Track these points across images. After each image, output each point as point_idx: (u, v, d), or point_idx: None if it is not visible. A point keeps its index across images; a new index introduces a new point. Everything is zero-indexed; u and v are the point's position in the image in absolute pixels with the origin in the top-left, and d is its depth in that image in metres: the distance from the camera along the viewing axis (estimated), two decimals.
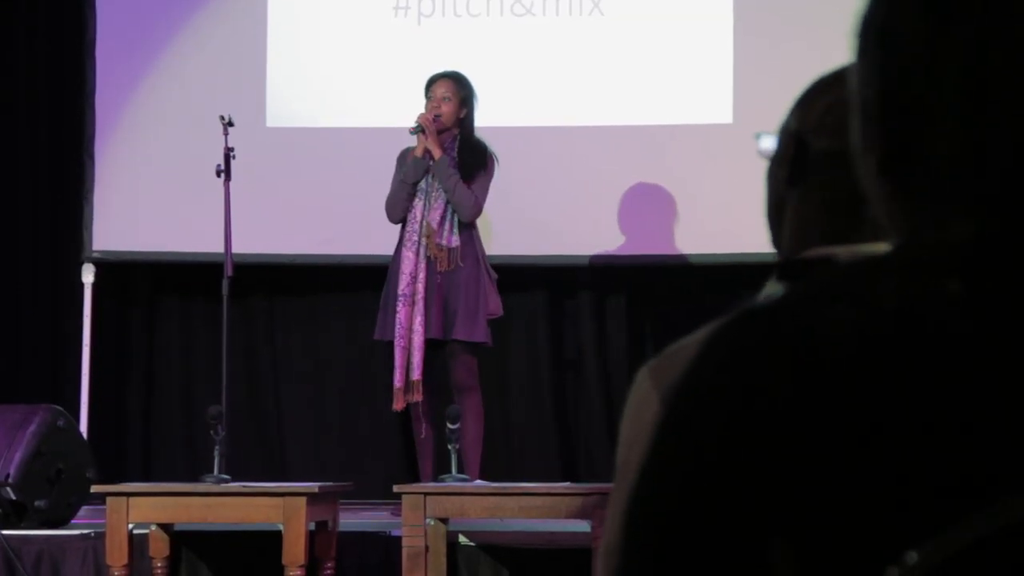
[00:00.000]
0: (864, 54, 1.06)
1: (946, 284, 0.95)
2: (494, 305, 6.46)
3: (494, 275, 6.52)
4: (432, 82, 6.54)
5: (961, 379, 0.92)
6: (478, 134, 6.60)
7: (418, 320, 6.35)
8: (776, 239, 1.77)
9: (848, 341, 0.95)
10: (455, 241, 6.40)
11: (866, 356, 0.94)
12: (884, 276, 0.98)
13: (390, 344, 6.47)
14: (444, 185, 6.38)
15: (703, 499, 0.96)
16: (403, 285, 6.38)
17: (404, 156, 6.55)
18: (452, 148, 6.50)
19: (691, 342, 1.71)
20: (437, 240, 6.39)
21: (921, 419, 0.92)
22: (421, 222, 6.43)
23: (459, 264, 6.40)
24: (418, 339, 6.35)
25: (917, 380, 0.93)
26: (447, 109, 6.46)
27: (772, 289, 1.70)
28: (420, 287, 6.37)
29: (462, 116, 6.50)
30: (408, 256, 6.42)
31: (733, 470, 0.95)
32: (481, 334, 6.40)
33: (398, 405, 6.41)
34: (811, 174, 1.74)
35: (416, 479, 7.01)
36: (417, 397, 6.36)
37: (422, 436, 6.47)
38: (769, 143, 1.69)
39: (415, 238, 6.43)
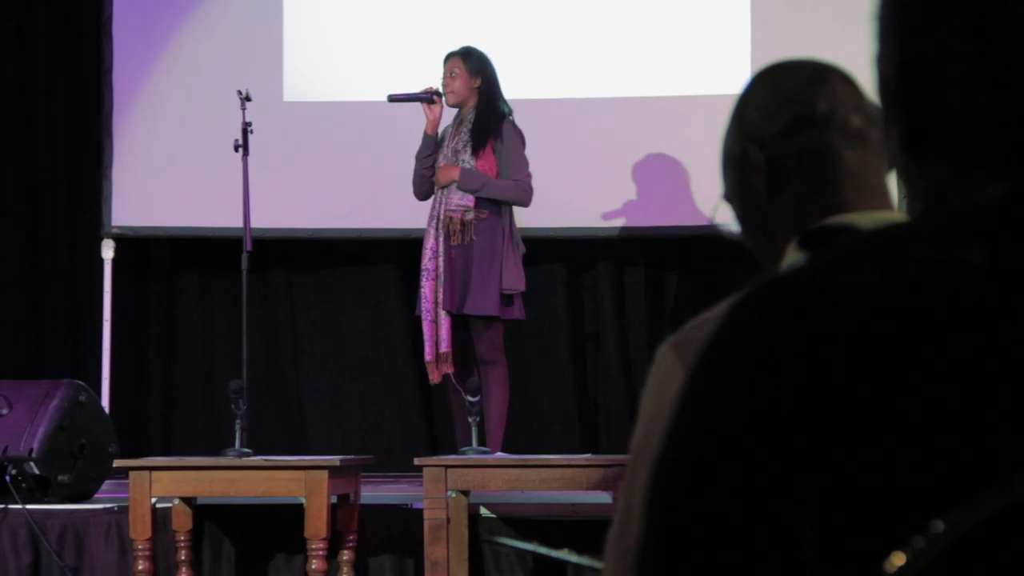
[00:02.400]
0: (882, 31, 1.07)
1: (970, 251, 0.95)
2: (511, 279, 6.40)
3: (521, 249, 6.50)
4: (444, 62, 6.57)
5: (985, 348, 0.93)
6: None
7: (441, 293, 6.38)
8: (761, 245, 1.77)
9: (872, 309, 0.95)
10: (470, 215, 6.40)
11: (890, 325, 0.94)
12: (908, 244, 0.98)
13: (417, 318, 6.50)
14: (483, 196, 6.40)
15: (728, 468, 0.96)
16: (426, 260, 6.43)
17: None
18: (470, 120, 6.51)
19: (712, 316, 1.71)
20: (451, 212, 6.41)
21: (944, 389, 0.92)
22: (439, 198, 6.45)
23: (473, 237, 6.40)
24: (443, 312, 6.38)
25: (941, 349, 0.93)
26: (457, 85, 6.48)
27: (793, 258, 1.70)
28: (440, 261, 6.40)
29: (477, 86, 6.50)
30: (429, 231, 6.46)
31: (758, 438, 0.95)
32: (492, 307, 6.37)
33: (434, 377, 6.42)
34: (790, 165, 1.74)
35: (436, 451, 7.04)
36: (448, 369, 6.37)
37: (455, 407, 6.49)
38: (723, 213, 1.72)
39: (434, 214, 6.46)
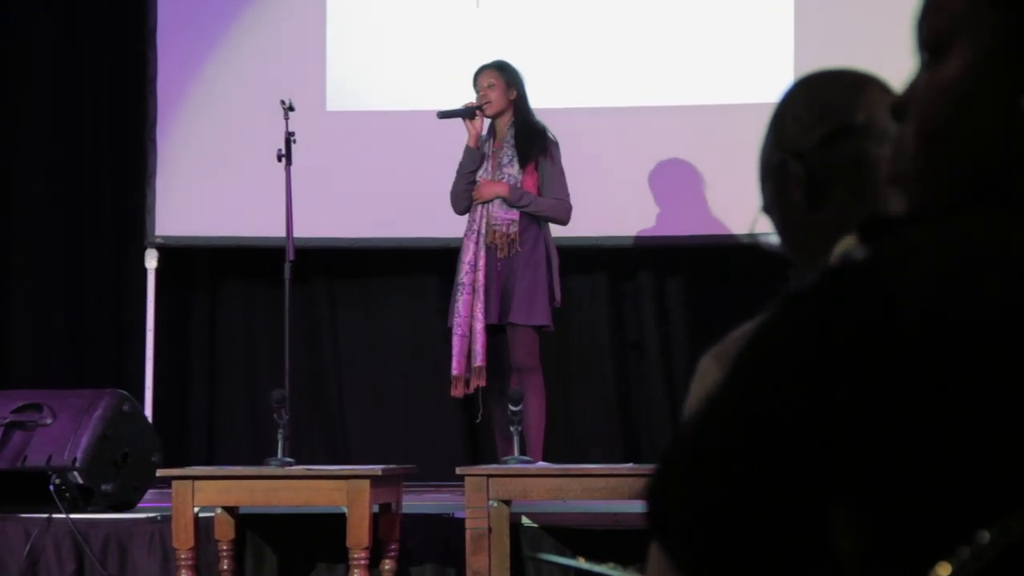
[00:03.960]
0: None
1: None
2: (557, 290, 6.47)
3: (558, 261, 6.52)
4: (476, 76, 6.58)
5: None
6: (538, 116, 6.60)
7: (479, 307, 6.38)
8: (803, 256, 1.75)
9: (934, 305, 0.94)
10: (515, 228, 6.42)
11: (953, 322, 0.93)
12: (967, 238, 0.97)
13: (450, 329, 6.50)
14: (528, 212, 6.41)
15: (772, 455, 0.95)
16: (463, 274, 6.42)
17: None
18: (510, 134, 6.52)
19: (752, 327, 1.70)
20: (496, 226, 6.41)
21: (1003, 393, 0.91)
22: (481, 212, 6.45)
23: (518, 249, 6.41)
24: (479, 326, 6.37)
25: (1004, 349, 0.92)
26: (494, 96, 6.50)
27: (847, 246, 1.69)
28: (480, 275, 6.40)
29: (513, 98, 6.52)
30: (469, 245, 6.46)
31: (809, 425, 0.94)
32: (541, 316, 6.40)
33: (457, 392, 6.42)
34: (829, 177, 1.72)
35: (477, 460, 7.03)
36: (481, 383, 6.38)
37: (477, 420, 6.52)
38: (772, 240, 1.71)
39: (475, 227, 6.46)
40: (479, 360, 6.36)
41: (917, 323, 0.94)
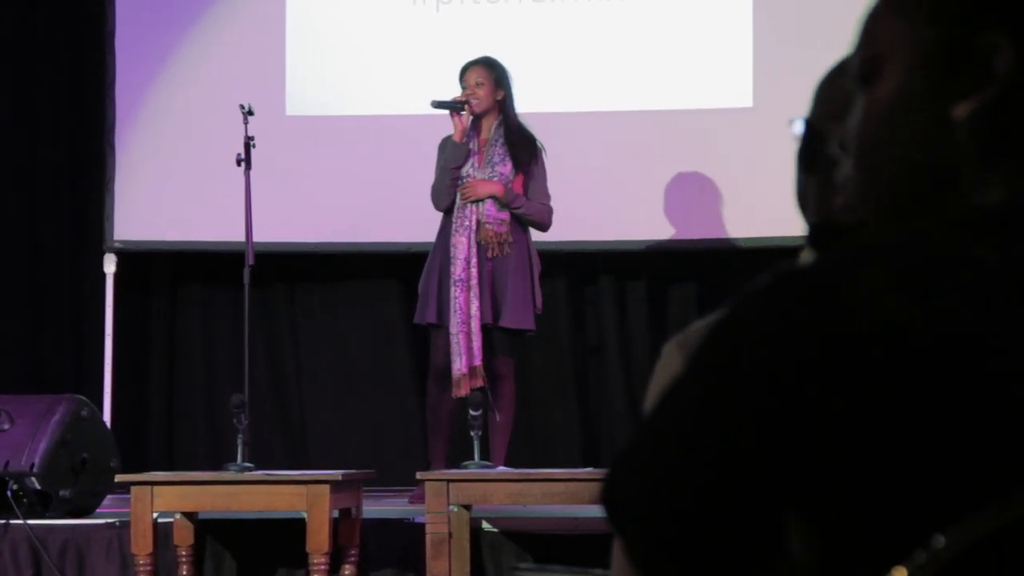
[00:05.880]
0: None
1: (982, 253, 0.95)
2: (539, 296, 6.46)
3: (539, 268, 6.51)
4: (464, 71, 6.52)
5: (1001, 356, 0.92)
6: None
7: (475, 305, 6.31)
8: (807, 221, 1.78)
9: (889, 311, 0.94)
10: (505, 228, 6.39)
11: (906, 329, 0.94)
12: (921, 244, 0.98)
13: (421, 328, 6.44)
14: (518, 214, 6.39)
15: (727, 456, 0.95)
16: (459, 270, 6.33)
17: (445, 143, 6.52)
18: (498, 133, 6.48)
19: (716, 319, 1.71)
20: (488, 224, 6.37)
21: (955, 398, 0.92)
22: (471, 207, 6.37)
23: (508, 250, 6.39)
24: (476, 324, 6.31)
25: (955, 357, 0.92)
26: (482, 94, 6.45)
27: (807, 257, 1.71)
28: (475, 271, 6.34)
29: (500, 98, 6.49)
30: (461, 241, 6.36)
31: (764, 426, 0.94)
32: (530, 322, 6.40)
33: (462, 391, 6.26)
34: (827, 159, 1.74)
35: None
36: (479, 382, 6.29)
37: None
38: (799, 128, 1.71)
39: (466, 223, 6.39)
40: (477, 359, 6.30)
41: (870, 328, 0.94)
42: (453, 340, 6.29)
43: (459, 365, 6.28)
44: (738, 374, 0.96)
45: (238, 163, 6.45)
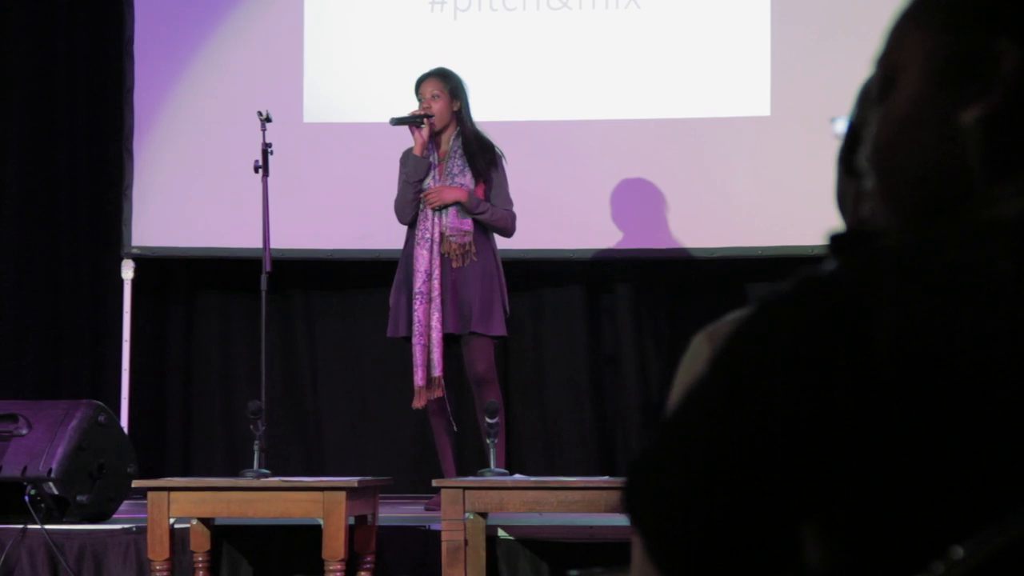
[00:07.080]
0: None
1: (999, 261, 0.95)
2: (507, 300, 6.47)
3: (502, 272, 6.51)
4: (419, 84, 6.53)
5: (1018, 364, 0.92)
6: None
7: (435, 317, 6.33)
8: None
9: (910, 321, 0.94)
10: (469, 238, 6.40)
11: (928, 339, 0.93)
12: (940, 252, 0.97)
13: (406, 340, 6.45)
14: (483, 220, 6.39)
15: (748, 462, 0.95)
16: (419, 283, 6.35)
17: (406, 157, 6.53)
18: (456, 144, 6.48)
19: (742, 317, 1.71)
20: (451, 236, 6.38)
21: (975, 409, 0.91)
22: (433, 220, 6.39)
23: (473, 259, 6.40)
24: (436, 335, 6.33)
25: (977, 366, 0.92)
26: (437, 107, 6.45)
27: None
28: (435, 284, 6.35)
29: (456, 110, 6.49)
30: (422, 254, 6.38)
31: (778, 433, 0.94)
32: (499, 327, 6.40)
33: (419, 403, 6.37)
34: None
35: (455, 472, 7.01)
36: (439, 393, 6.34)
37: (455, 430, 6.47)
38: (842, 127, 1.70)
39: (427, 235, 6.41)
40: (437, 370, 6.33)
41: (891, 335, 0.94)
42: (413, 352, 6.32)
43: (417, 377, 6.33)
44: (760, 379, 0.96)
45: (256, 170, 6.46)
